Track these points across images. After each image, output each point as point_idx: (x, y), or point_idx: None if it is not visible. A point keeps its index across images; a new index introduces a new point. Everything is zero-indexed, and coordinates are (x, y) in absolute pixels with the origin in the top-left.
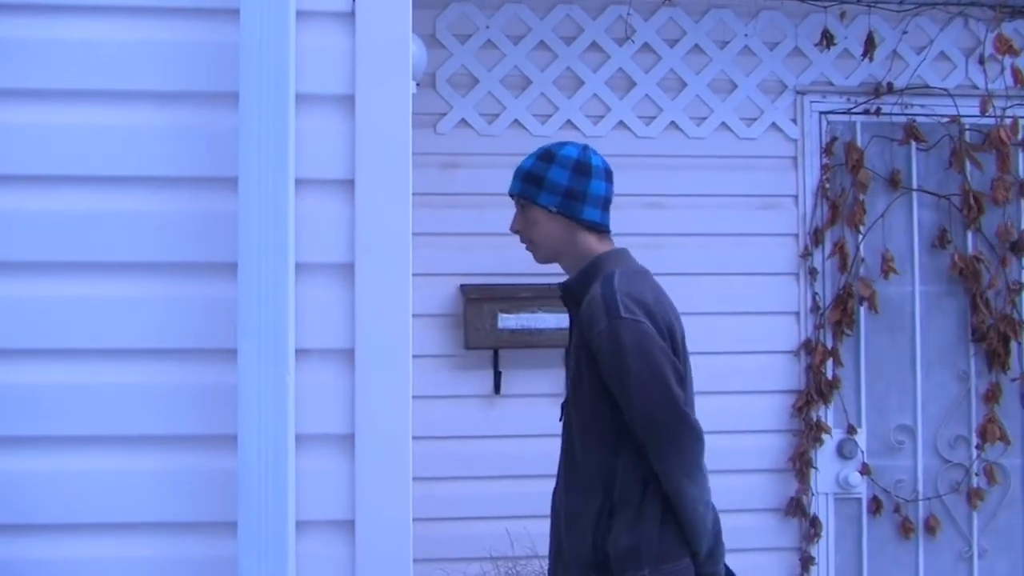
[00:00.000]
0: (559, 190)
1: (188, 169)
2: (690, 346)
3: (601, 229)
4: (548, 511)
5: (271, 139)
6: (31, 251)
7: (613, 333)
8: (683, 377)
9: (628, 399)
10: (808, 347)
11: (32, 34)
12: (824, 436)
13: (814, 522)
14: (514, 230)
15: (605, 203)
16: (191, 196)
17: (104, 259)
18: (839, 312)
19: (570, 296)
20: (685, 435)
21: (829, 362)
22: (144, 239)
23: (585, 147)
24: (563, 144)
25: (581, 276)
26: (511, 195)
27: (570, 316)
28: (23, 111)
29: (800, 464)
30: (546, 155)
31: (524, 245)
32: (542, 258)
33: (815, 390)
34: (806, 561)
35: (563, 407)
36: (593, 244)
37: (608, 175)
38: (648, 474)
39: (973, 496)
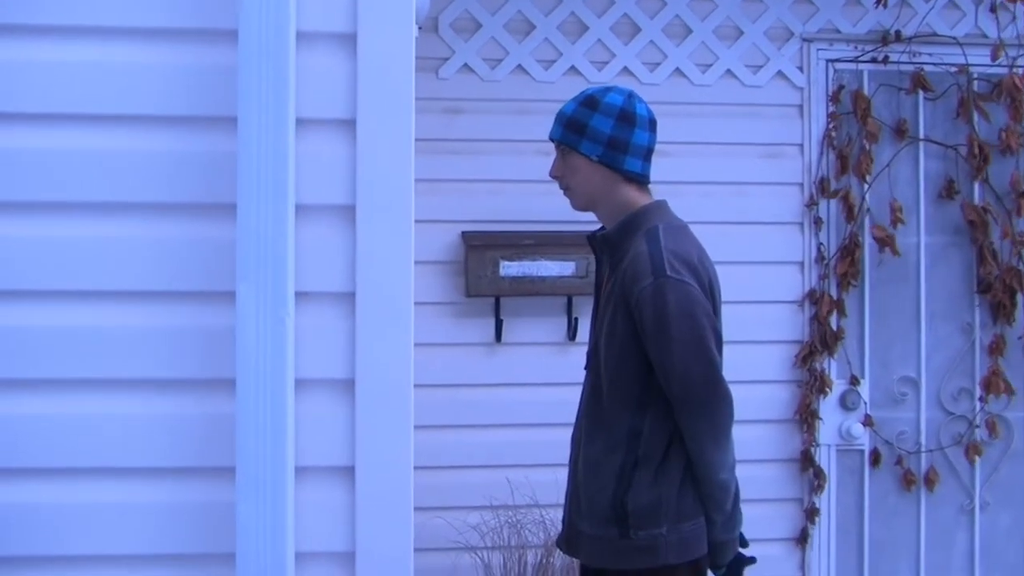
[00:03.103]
0: (602, 139)
1: (185, 108)
2: None
3: (641, 180)
4: (549, 459)
5: (271, 77)
6: (28, 191)
7: (658, 291)
8: (721, 340)
9: (666, 360)
10: (812, 297)
11: None
12: (827, 388)
13: (818, 473)
14: (553, 175)
15: (647, 153)
16: (191, 136)
17: (103, 199)
18: (846, 263)
19: (607, 246)
20: (719, 401)
21: (834, 313)
22: (143, 179)
23: (630, 94)
24: (607, 90)
25: (621, 228)
26: (551, 140)
27: (598, 265)
28: (23, 48)
29: (805, 415)
30: (589, 101)
31: (562, 191)
32: (579, 205)
33: (819, 341)
34: (811, 512)
35: (589, 355)
36: (632, 195)
37: (652, 125)
38: (673, 432)
39: (974, 449)
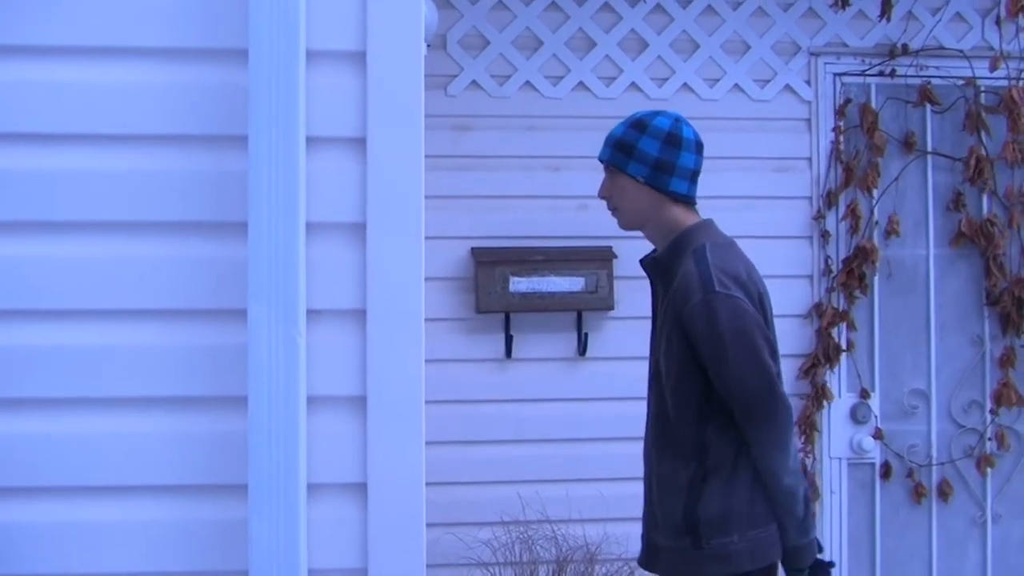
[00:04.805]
0: (649, 161)
1: (198, 127)
2: None
3: (687, 200)
4: (560, 475)
5: (281, 96)
6: (41, 211)
7: (708, 308)
8: (775, 350)
9: (723, 374)
10: (819, 310)
11: None
12: (825, 401)
13: (811, 485)
14: (601, 195)
15: (693, 175)
16: (201, 155)
17: (113, 218)
18: (846, 275)
19: (658, 268)
20: (777, 410)
21: (841, 325)
22: (153, 198)
23: (678, 118)
24: (656, 114)
25: (670, 249)
26: (600, 160)
27: (652, 286)
28: (37, 69)
29: (805, 428)
30: (638, 124)
31: (610, 211)
32: (626, 225)
33: (822, 353)
34: None
35: (650, 377)
36: (679, 215)
37: (699, 147)
38: (739, 442)
39: (986, 461)
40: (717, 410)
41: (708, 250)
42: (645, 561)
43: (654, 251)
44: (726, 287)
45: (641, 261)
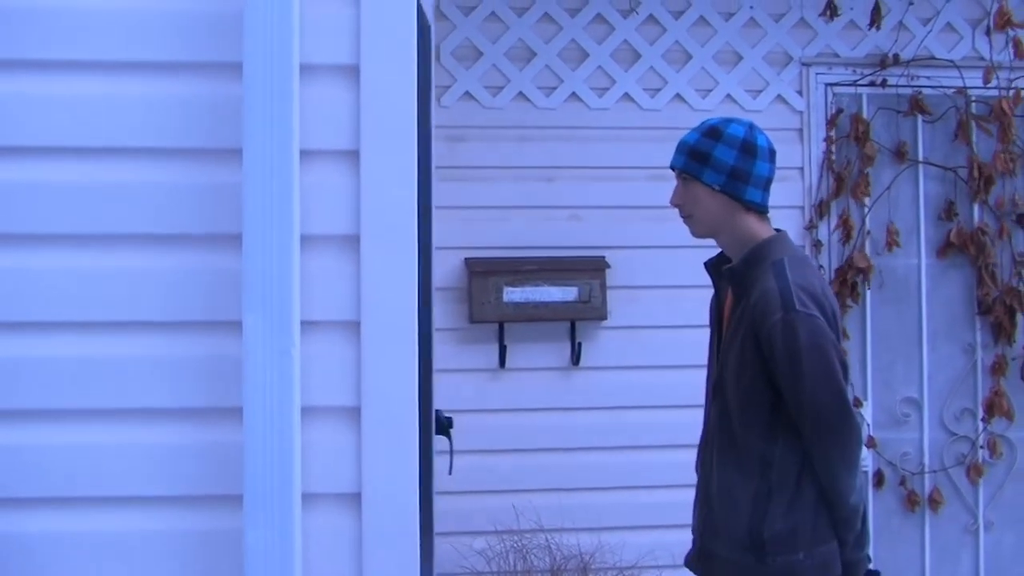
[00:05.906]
0: (724, 169)
1: (193, 140)
2: (695, 319)
3: (761, 209)
4: (554, 484)
5: (275, 109)
6: (36, 223)
7: (788, 326)
8: (847, 368)
9: (798, 393)
10: None
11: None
12: None
13: None
14: (674, 203)
15: (767, 183)
16: (196, 168)
17: (110, 231)
18: (838, 284)
19: (733, 278)
20: (848, 429)
21: None
22: (149, 211)
23: (751, 126)
24: (729, 121)
25: (746, 261)
26: (673, 168)
27: (716, 293)
28: (27, 81)
29: None
30: (712, 132)
31: (683, 219)
32: (700, 233)
33: None
34: None
35: (714, 387)
36: (754, 225)
37: (772, 155)
38: (804, 459)
39: (977, 469)
40: (784, 426)
41: (787, 265)
42: (695, 564)
43: (720, 254)
44: (806, 306)
45: (708, 265)
